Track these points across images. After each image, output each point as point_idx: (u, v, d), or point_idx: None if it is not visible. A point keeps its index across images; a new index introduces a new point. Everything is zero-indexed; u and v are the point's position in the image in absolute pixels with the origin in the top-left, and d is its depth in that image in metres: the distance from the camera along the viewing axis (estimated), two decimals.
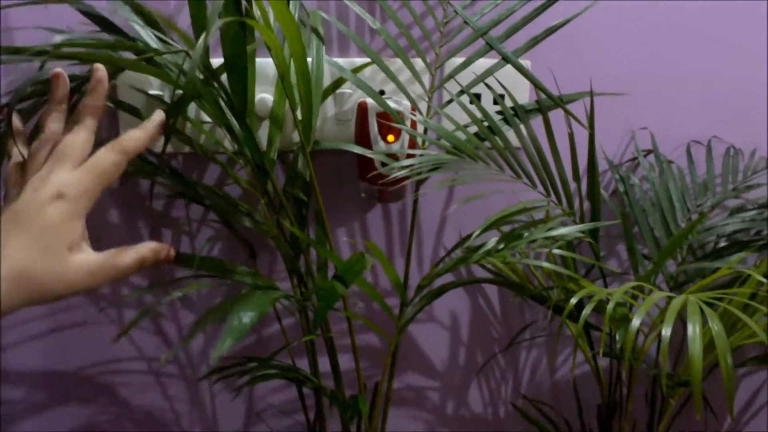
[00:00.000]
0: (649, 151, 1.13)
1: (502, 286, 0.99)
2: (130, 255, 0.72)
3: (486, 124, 0.94)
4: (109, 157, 0.69)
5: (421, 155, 0.88)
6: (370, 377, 1.13)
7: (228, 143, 0.98)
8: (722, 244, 1.07)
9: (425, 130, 0.97)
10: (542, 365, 1.19)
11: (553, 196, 0.95)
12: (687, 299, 0.82)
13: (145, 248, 0.73)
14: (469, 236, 0.90)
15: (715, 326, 0.78)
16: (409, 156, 0.93)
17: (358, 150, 0.94)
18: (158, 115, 0.75)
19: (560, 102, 0.93)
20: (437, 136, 0.94)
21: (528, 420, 1.12)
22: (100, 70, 0.72)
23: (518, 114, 0.94)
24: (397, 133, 0.98)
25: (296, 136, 1.03)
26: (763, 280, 0.87)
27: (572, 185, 1.08)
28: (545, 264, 0.85)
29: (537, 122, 1.06)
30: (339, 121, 1.04)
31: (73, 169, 0.68)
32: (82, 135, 0.70)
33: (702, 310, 0.80)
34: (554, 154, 0.95)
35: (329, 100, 1.04)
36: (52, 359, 1.06)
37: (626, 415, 1.06)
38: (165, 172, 0.93)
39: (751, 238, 1.06)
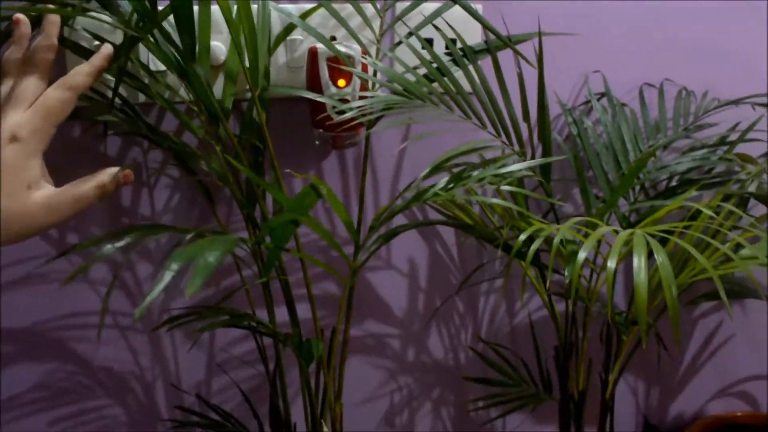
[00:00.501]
0: (602, 95, 1.13)
1: (453, 227, 0.99)
2: (89, 183, 0.73)
3: (435, 66, 0.94)
4: (56, 94, 0.71)
5: (372, 98, 0.88)
6: (329, 325, 1.14)
7: (184, 92, 0.97)
8: (675, 183, 1.09)
9: (375, 73, 0.97)
10: (501, 310, 1.20)
11: (503, 137, 0.95)
12: (633, 233, 0.83)
13: (103, 174, 0.74)
14: (420, 178, 0.90)
15: (660, 257, 0.80)
16: (361, 99, 0.93)
17: (307, 95, 0.93)
18: (105, 49, 0.76)
19: (508, 42, 0.93)
20: (387, 78, 0.94)
21: (486, 363, 1.14)
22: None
23: (467, 55, 0.94)
24: (348, 78, 0.98)
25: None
26: (712, 213, 0.89)
27: (523, 127, 1.08)
28: (494, 201, 0.85)
29: (490, 66, 1.06)
30: (291, 68, 1.04)
31: (24, 110, 0.69)
32: (33, 77, 0.71)
33: (652, 247, 0.81)
34: (504, 95, 0.96)
35: (281, 48, 1.03)
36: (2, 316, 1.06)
37: (581, 356, 1.08)
38: (121, 113, 0.93)
39: (702, 176, 1.08)
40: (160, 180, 1.05)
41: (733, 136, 1.13)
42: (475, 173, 0.88)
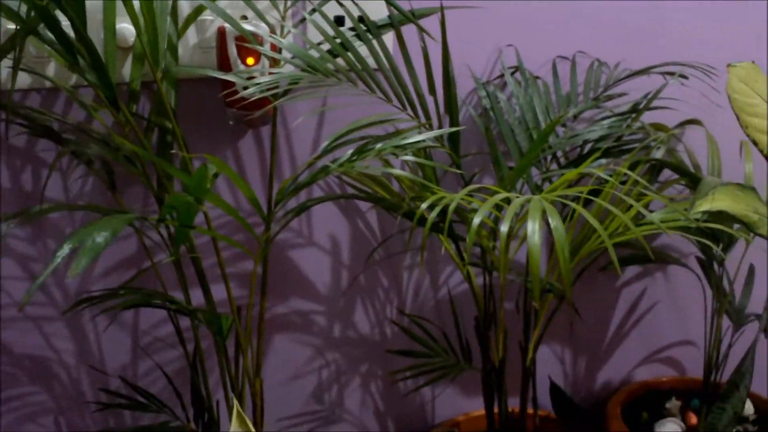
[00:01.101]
0: (516, 68, 1.15)
1: (359, 199, 1.00)
2: None
3: (339, 41, 0.94)
4: None
5: (277, 74, 0.89)
6: (253, 304, 1.15)
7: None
8: (587, 152, 1.11)
9: (280, 51, 0.97)
10: (426, 283, 1.22)
11: (409, 110, 0.96)
12: (530, 199, 0.84)
13: None
14: (321, 150, 0.91)
15: (554, 222, 0.81)
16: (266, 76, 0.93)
17: (213, 73, 0.94)
18: None
19: (411, 17, 0.94)
20: (292, 55, 0.94)
21: (409, 335, 1.15)
22: None
23: (370, 30, 0.95)
24: (256, 56, 0.98)
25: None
26: (607, 177, 0.91)
27: (431, 100, 1.09)
28: (396, 171, 0.87)
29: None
30: (203, 49, 1.04)
31: None
32: None
33: (547, 212, 0.83)
34: (409, 69, 0.97)
35: (192, 30, 1.03)
36: None
37: (499, 325, 1.10)
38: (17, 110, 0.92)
39: (613, 144, 1.10)
40: (76, 165, 1.04)
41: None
42: (378, 145, 0.89)
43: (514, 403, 1.30)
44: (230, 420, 0.88)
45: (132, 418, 1.15)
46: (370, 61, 1.04)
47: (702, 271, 1.20)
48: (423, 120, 0.97)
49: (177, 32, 0.99)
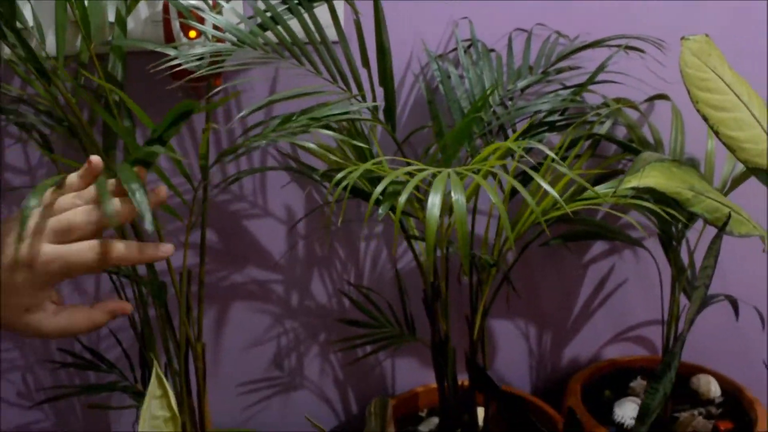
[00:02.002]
0: (472, 42, 1.14)
1: (290, 171, 1.02)
2: (84, 320, 0.67)
3: (270, 15, 0.96)
4: (89, 255, 0.63)
5: (209, 47, 0.92)
6: (209, 271, 1.18)
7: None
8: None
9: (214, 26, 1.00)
10: (383, 256, 1.23)
11: (340, 83, 0.98)
12: (440, 171, 0.85)
13: (104, 309, 0.68)
14: (237, 118, 0.93)
15: (456, 195, 0.81)
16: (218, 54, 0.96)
17: (148, 47, 0.97)
18: (164, 251, 0.66)
19: None
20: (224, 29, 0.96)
21: (355, 306, 1.17)
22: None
23: (301, 3, 0.96)
24: (198, 30, 1.01)
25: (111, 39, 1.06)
26: (516, 148, 0.90)
27: (364, 73, 1.09)
28: (310, 145, 0.89)
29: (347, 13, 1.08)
30: (154, 22, 1.07)
31: (56, 242, 0.63)
32: (84, 218, 0.63)
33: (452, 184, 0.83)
34: (342, 41, 0.98)
35: (144, 3, 1.06)
36: None
37: (442, 299, 1.10)
38: None
39: (559, 118, 1.08)
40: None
41: (604, 77, 1.14)
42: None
43: None
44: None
45: (96, 377, 1.20)
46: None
47: (663, 249, 1.18)
48: (355, 91, 0.98)
49: (126, 6, 1.02)
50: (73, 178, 0.66)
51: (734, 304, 1.26)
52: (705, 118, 0.94)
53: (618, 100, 1.18)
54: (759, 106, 0.96)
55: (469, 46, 1.13)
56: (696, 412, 1.24)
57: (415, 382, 1.30)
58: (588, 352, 1.36)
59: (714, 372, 1.30)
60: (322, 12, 0.99)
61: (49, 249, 0.62)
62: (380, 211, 0.88)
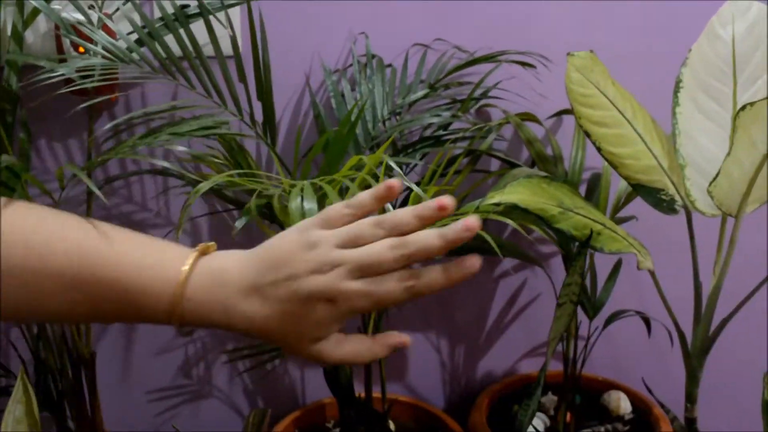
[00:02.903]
0: (372, 56, 1.15)
1: (165, 175, 1.04)
2: (367, 353, 0.62)
3: (147, 30, 0.98)
4: (400, 295, 0.58)
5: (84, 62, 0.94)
6: None
7: None
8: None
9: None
10: None
11: (215, 97, 0.99)
12: (299, 183, 0.86)
13: (386, 343, 0.62)
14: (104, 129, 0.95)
15: (308, 204, 0.83)
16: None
17: (32, 61, 0.99)
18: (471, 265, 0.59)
19: (207, 9, 0.96)
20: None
21: None
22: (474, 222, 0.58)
23: (178, 19, 0.98)
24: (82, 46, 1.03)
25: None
26: (391, 163, 0.91)
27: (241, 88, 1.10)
28: (156, 162, 0.90)
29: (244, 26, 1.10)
30: (53, 36, 1.10)
31: (359, 277, 0.57)
32: (394, 256, 0.57)
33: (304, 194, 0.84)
34: (219, 57, 0.99)
35: (42, 16, 1.09)
36: None
37: None
38: None
39: (444, 133, 1.09)
40: None
41: (508, 92, 1.14)
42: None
43: (394, 390, 1.32)
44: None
45: None
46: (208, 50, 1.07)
47: (564, 266, 1.18)
48: (232, 107, 1.00)
49: (23, 20, 1.05)
50: (365, 197, 0.60)
51: (646, 321, 1.25)
52: (587, 134, 0.94)
53: (522, 115, 1.18)
54: (643, 121, 0.96)
55: (372, 59, 1.14)
56: (602, 430, 1.24)
57: (324, 393, 1.31)
58: (502, 366, 1.36)
59: (627, 388, 1.29)
60: (217, 27, 1.01)
61: (356, 286, 0.56)
62: (236, 224, 0.90)
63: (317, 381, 1.31)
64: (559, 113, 1.21)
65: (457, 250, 1.13)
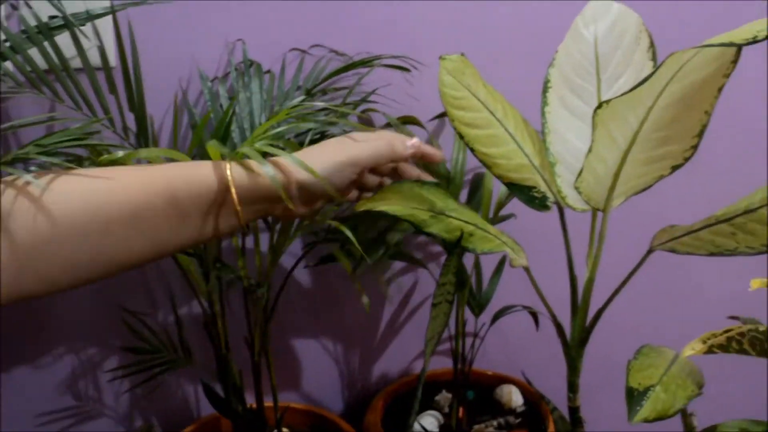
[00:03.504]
0: (251, 63, 1.15)
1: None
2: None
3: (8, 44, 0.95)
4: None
5: None
6: None
7: None
8: None
9: None
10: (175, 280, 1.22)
11: (85, 109, 0.97)
12: None
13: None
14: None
15: None
16: None
17: None
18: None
19: (71, 21, 0.94)
20: None
21: (130, 331, 1.15)
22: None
23: (42, 31, 0.95)
24: None
25: None
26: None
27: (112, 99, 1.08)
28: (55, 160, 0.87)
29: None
30: None
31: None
32: None
33: None
34: (87, 68, 0.97)
35: None
36: None
37: (221, 322, 1.10)
38: None
39: (327, 137, 1.09)
40: None
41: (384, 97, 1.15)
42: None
43: (291, 398, 1.31)
44: None
45: None
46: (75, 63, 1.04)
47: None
48: (105, 120, 0.98)
49: None
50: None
51: (534, 314, 1.28)
52: (460, 136, 0.96)
53: (404, 118, 1.19)
54: (514, 121, 0.98)
55: (249, 66, 1.13)
56: (495, 423, 1.26)
57: None
58: (397, 367, 1.37)
59: (518, 381, 1.32)
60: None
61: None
62: None
63: None
64: (441, 115, 1.23)
65: (347, 253, 1.12)
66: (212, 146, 0.80)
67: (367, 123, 1.20)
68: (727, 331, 0.64)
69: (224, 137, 0.96)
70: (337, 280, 1.28)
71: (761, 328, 0.64)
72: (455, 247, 0.91)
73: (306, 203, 0.82)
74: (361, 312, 1.31)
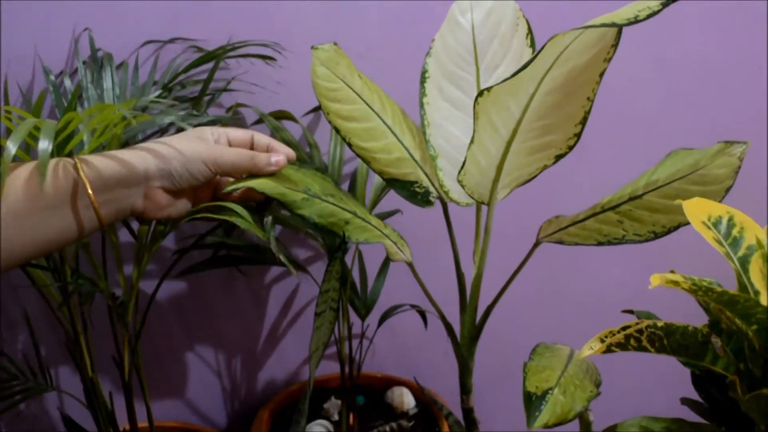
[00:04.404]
0: (98, 55, 1.05)
1: None
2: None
3: None
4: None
5: None
6: None
7: None
8: None
9: None
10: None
11: None
12: None
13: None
14: None
15: None
16: None
17: None
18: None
19: None
20: None
21: None
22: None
23: None
24: None
25: None
26: None
27: None
28: None
29: None
30: None
31: None
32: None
33: None
34: None
35: None
36: None
37: (86, 342, 1.01)
38: None
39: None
40: None
41: (237, 86, 1.08)
42: None
43: (172, 415, 1.22)
44: None
45: None
46: None
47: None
48: None
49: None
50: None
51: (422, 314, 1.24)
52: (337, 130, 0.89)
53: (277, 113, 1.12)
54: (392, 113, 0.93)
55: (100, 63, 1.03)
56: (387, 428, 1.22)
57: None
58: (284, 375, 1.30)
59: (410, 383, 1.28)
60: None
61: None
62: None
63: (80, 419, 1.18)
64: (316, 109, 1.17)
65: (220, 260, 1.05)
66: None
67: (238, 119, 1.12)
68: (624, 328, 0.61)
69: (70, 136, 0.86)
70: (213, 289, 1.20)
71: (659, 324, 0.61)
72: (338, 248, 0.85)
73: (169, 193, 0.76)
74: (240, 321, 1.24)
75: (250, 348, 1.26)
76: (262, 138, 0.84)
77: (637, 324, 0.61)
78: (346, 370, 1.15)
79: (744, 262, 0.64)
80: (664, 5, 0.63)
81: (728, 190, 0.76)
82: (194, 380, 1.24)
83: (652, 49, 1.25)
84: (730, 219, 0.66)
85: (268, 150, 0.85)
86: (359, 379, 1.21)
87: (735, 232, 0.66)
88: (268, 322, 1.25)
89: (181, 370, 1.23)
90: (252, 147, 0.84)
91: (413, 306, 1.22)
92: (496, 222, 0.90)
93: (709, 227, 0.66)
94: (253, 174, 0.81)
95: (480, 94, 0.75)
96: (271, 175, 0.82)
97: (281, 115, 1.12)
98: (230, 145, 0.82)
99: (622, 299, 1.02)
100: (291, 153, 0.85)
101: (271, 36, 1.09)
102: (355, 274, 1.18)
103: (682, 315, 0.70)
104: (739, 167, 0.76)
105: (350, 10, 1.15)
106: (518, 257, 0.86)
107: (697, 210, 0.67)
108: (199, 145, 0.77)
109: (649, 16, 0.63)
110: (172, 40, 1.06)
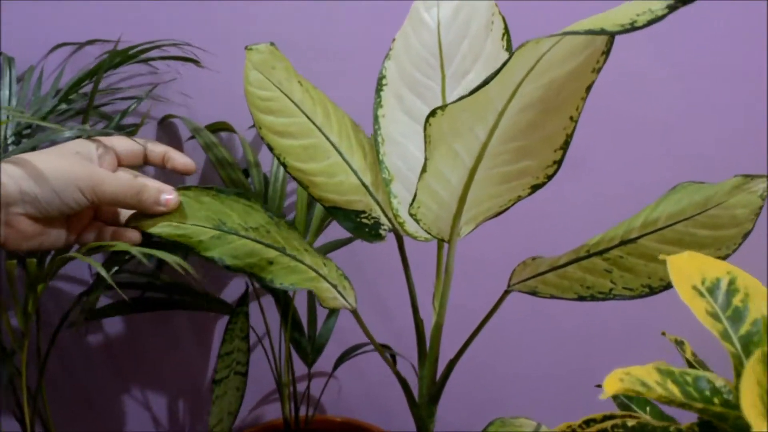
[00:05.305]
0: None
1: None
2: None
3: None
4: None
5: None
6: None
7: None
8: None
9: None
10: None
11: None
12: None
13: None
14: None
15: None
16: None
17: None
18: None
19: None
20: None
21: None
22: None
23: None
24: None
25: None
26: None
27: None
28: None
29: None
30: None
31: None
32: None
33: None
34: None
35: None
36: None
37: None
38: None
39: None
40: None
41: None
42: None
43: None
44: None
45: None
46: None
47: (276, 307, 0.98)
48: None
49: None
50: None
51: (393, 357, 1.09)
52: (270, 148, 0.74)
53: (216, 125, 0.97)
54: (339, 127, 0.77)
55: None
56: None
57: None
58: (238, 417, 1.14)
59: (371, 427, 1.12)
60: None
61: None
62: None
63: None
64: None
65: (158, 302, 0.88)
66: None
67: (169, 131, 0.97)
68: (587, 422, 0.46)
69: None
70: (144, 329, 1.05)
71: (629, 423, 0.46)
72: (240, 302, 0.69)
73: (37, 221, 0.61)
74: (182, 362, 1.08)
75: (194, 392, 1.11)
76: (156, 148, 0.71)
77: (612, 420, 0.45)
78: (301, 412, 1.00)
79: (747, 342, 0.48)
80: (672, 9, 0.47)
81: (746, 235, 0.61)
82: (133, 427, 1.09)
83: (661, 46, 1.05)
84: (732, 282, 0.50)
85: (163, 161, 0.71)
86: (313, 424, 1.05)
87: (737, 300, 0.49)
88: (212, 362, 1.10)
89: (118, 418, 1.08)
90: (145, 159, 0.70)
91: (378, 347, 1.06)
92: (466, 258, 0.75)
93: (702, 294, 0.49)
94: (137, 209, 0.65)
95: (432, 113, 0.60)
96: (161, 215, 0.66)
97: (220, 127, 0.96)
98: (119, 159, 0.67)
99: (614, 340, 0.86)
100: (190, 165, 0.71)
101: (213, 38, 0.94)
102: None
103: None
104: (761, 207, 0.60)
105: (308, 6, 0.99)
106: (490, 299, 0.71)
107: (688, 268, 0.50)
108: (76, 167, 0.61)
109: (650, 23, 0.47)
110: (90, 42, 0.90)
